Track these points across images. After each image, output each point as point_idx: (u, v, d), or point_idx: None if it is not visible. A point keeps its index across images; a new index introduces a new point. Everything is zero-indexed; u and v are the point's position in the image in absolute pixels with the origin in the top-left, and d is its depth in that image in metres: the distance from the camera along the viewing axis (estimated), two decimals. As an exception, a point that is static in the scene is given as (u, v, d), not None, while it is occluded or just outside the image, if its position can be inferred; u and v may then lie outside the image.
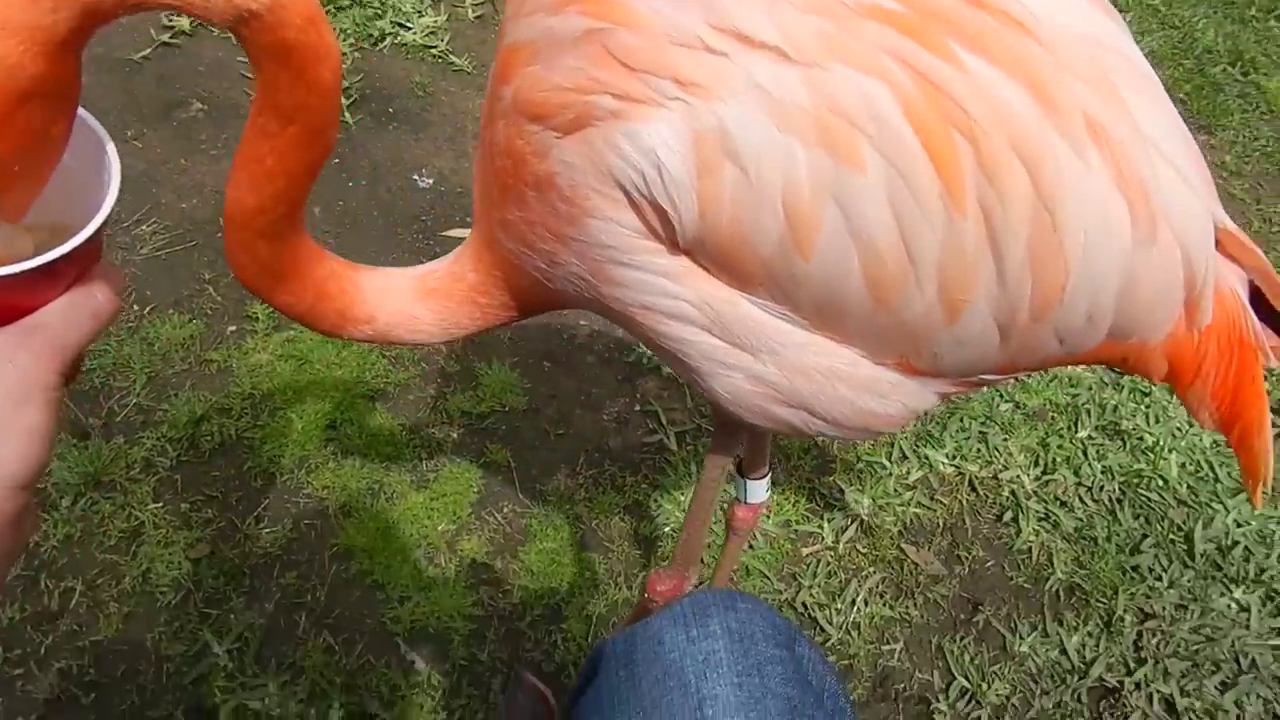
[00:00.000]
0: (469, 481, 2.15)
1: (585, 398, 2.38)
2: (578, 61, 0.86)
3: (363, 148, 2.76)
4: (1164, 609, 2.13)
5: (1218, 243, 1.03)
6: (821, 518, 2.20)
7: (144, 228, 2.46)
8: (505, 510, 2.12)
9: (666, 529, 2.14)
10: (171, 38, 2.91)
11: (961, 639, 2.06)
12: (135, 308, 2.32)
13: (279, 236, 1.01)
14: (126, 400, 2.15)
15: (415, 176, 2.73)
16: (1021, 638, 2.06)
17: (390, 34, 2.99)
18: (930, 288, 0.91)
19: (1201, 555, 2.22)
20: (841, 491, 2.24)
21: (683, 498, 2.18)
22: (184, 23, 2.93)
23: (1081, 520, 2.26)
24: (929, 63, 0.82)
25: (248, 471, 2.08)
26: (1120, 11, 3.42)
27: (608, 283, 0.98)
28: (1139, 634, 2.09)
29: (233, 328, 2.35)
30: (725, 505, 1.74)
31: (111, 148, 0.84)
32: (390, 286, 1.16)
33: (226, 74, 2.84)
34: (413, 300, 1.17)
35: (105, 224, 0.80)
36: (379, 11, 3.01)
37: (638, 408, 2.38)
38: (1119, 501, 2.31)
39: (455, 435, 2.24)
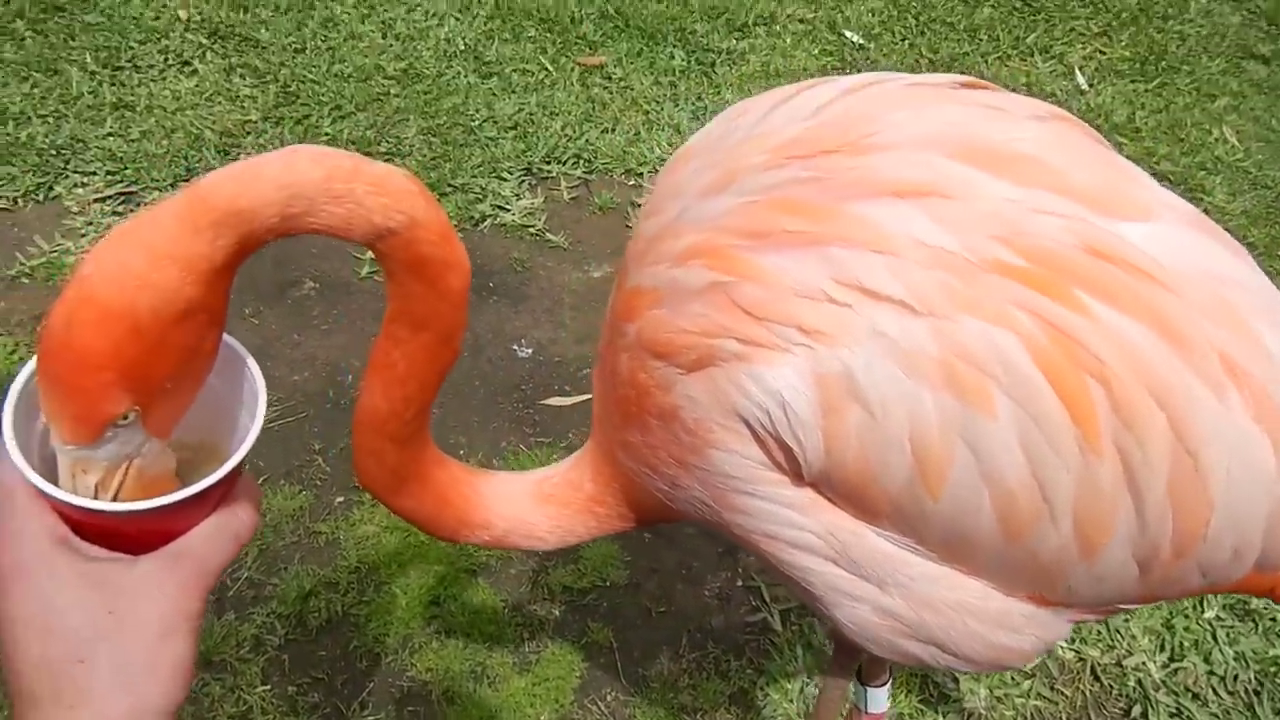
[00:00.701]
0: (571, 664, 2.12)
1: (686, 572, 2.35)
2: (702, 308, 0.89)
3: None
4: (1318, 818, 1.96)
5: None
6: (936, 711, 2.10)
7: (260, 402, 2.56)
8: (608, 698, 2.08)
9: (773, 720, 2.06)
10: (292, 220, 3.09)
11: None
12: (249, 482, 2.39)
13: (407, 442, 1.04)
14: (239, 574, 2.20)
15: (515, 347, 2.81)
16: None
17: (490, 215, 3.13)
18: (1065, 526, 0.89)
19: (1355, 756, 2.05)
20: (955, 681, 2.14)
21: (789, 686, 2.11)
22: (304, 205, 3.11)
23: (1217, 716, 2.12)
24: (1057, 312, 0.83)
25: (353, 651, 2.09)
26: (1210, 174, 3.37)
27: (730, 510, 0.99)
28: (1292, 847, 1.92)
29: (340, 499, 2.40)
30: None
31: (254, 367, 0.88)
32: (507, 492, 1.18)
33: (337, 255, 2.99)
34: (530, 506, 1.18)
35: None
36: (480, 196, 3.17)
37: (740, 583, 2.34)
38: (1256, 694, 2.16)
39: (557, 613, 2.22)
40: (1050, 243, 0.84)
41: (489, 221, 3.12)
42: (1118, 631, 2.25)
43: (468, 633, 2.15)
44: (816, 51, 3.90)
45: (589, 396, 2.70)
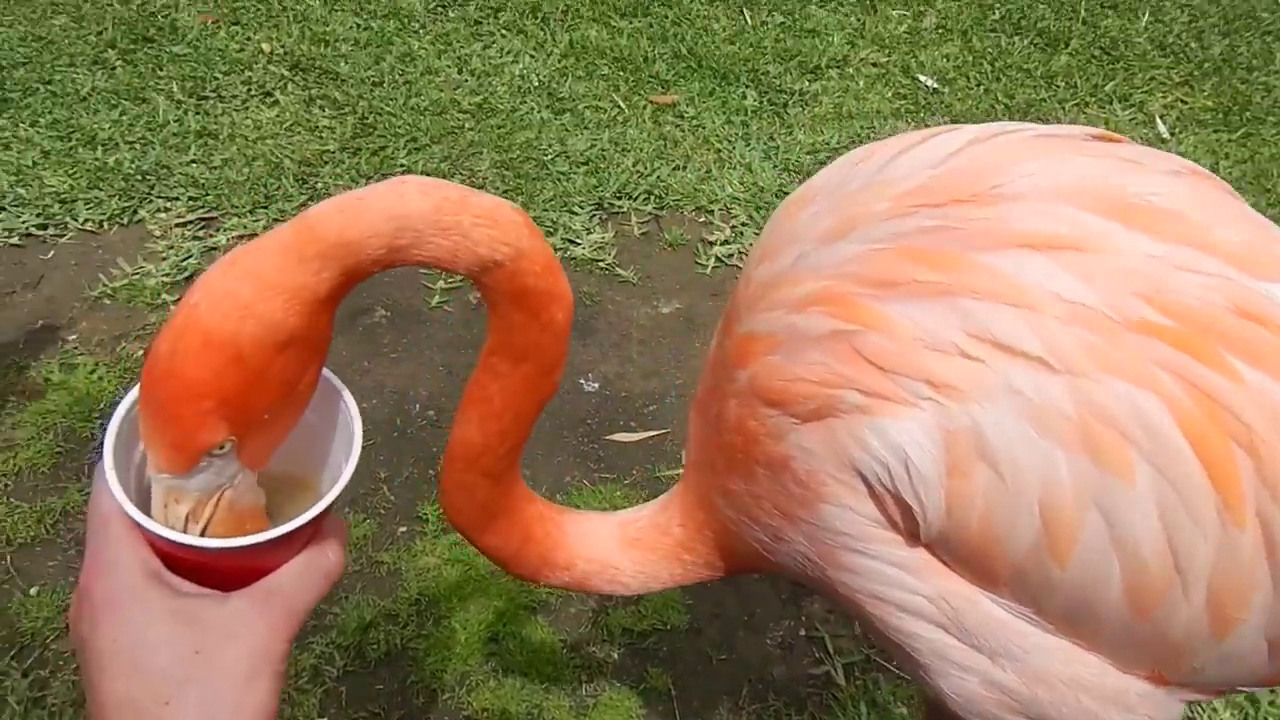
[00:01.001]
0: (628, 710, 2.07)
1: (749, 618, 2.30)
2: (822, 357, 0.86)
3: (534, 355, 2.84)
4: None
5: None
6: (1011, 777, 2.01)
7: (327, 429, 2.57)
8: (668, 747, 2.03)
9: (838, 779, 2.00)
10: (365, 249, 3.12)
11: None
12: (315, 509, 2.39)
13: (499, 477, 1.03)
14: (300, 602, 2.18)
15: (581, 381, 2.79)
16: None
17: (560, 249, 3.13)
18: (1198, 599, 0.84)
19: None
20: (1032, 747, 2.06)
21: (856, 744, 2.05)
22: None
23: (1310, 798, 2.01)
24: (1203, 375, 0.78)
25: (410, 686, 2.07)
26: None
27: (836, 567, 0.95)
28: None
29: (403, 528, 2.39)
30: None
31: (351, 403, 0.87)
32: (591, 532, 1.16)
33: (409, 284, 3.01)
34: (614, 549, 1.16)
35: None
36: (550, 230, 3.18)
37: (803, 632, 2.28)
38: (1352, 777, 2.05)
39: (615, 655, 2.18)
40: (1196, 302, 0.80)
41: (559, 255, 3.12)
42: (1199, 704, 2.15)
43: (525, 672, 2.12)
44: (890, 95, 3.87)
45: (655, 433, 2.68)
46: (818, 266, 0.89)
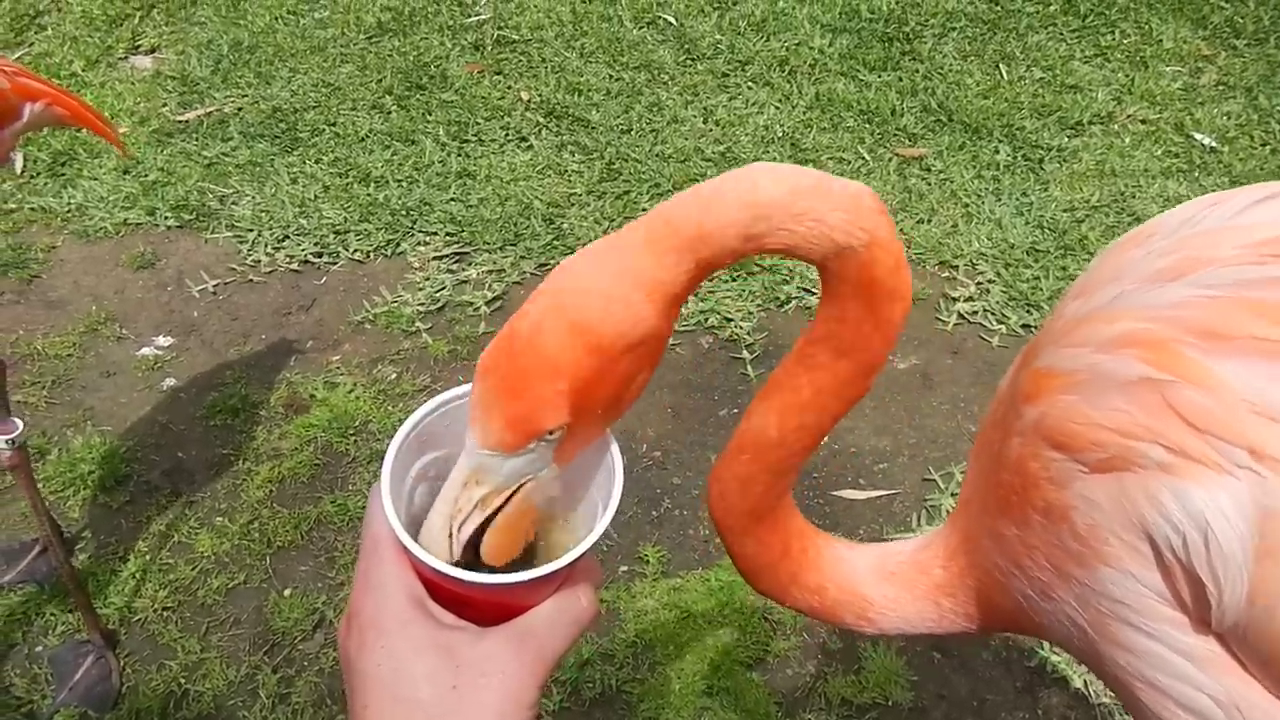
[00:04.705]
0: (846, 783, 1.97)
1: (978, 704, 2.14)
2: (1126, 404, 0.78)
3: (763, 404, 2.80)
4: None
5: None
6: None
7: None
8: (887, 829, 1.91)
9: None
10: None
11: None
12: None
13: (780, 477, 0.99)
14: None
15: (809, 435, 2.72)
16: None
17: (795, 298, 3.09)
18: None
19: None
20: None
21: None
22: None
23: None
24: None
25: (623, 728, 2.05)
26: None
27: (1109, 641, 0.84)
28: None
29: (625, 567, 2.39)
30: None
31: (616, 451, 0.85)
32: (847, 558, 1.09)
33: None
34: (868, 580, 1.08)
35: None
36: (787, 278, 3.15)
37: (1039, 726, 2.10)
38: None
39: (833, 725, 2.08)
40: None
41: (794, 303, 3.09)
42: None
43: (739, 730, 2.06)
44: (1159, 153, 3.61)
45: (884, 493, 2.57)
46: (1138, 306, 0.80)
